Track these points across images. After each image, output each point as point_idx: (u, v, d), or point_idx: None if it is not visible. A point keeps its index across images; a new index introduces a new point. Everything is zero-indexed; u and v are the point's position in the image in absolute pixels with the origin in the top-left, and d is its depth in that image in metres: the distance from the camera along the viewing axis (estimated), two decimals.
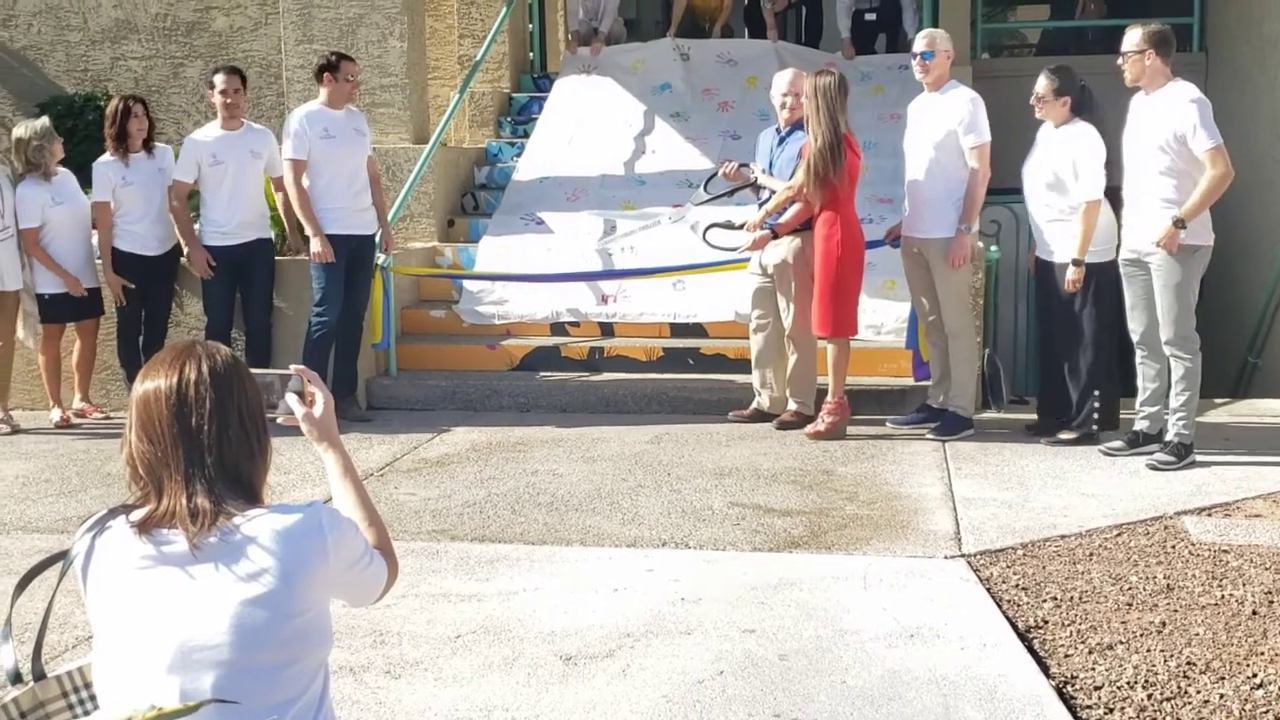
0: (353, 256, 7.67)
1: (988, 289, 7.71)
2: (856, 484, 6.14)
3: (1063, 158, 6.56)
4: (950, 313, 6.97)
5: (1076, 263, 6.49)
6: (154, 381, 2.05)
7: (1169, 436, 6.33)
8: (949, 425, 6.97)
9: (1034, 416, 7.15)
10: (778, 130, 7.28)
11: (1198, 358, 6.24)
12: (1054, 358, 6.88)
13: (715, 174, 7.69)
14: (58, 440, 7.52)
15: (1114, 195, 6.53)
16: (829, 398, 7.03)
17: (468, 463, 6.71)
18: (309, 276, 7.65)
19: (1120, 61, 6.29)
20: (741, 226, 7.39)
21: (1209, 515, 5.59)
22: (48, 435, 7.66)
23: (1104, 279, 6.56)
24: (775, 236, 7.14)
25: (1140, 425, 6.52)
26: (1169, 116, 6.12)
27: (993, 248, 7.79)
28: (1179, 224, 6.07)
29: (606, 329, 8.52)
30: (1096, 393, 6.66)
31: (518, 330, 8.60)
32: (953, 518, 5.58)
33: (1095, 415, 6.69)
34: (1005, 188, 7.30)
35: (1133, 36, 6.24)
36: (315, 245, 7.49)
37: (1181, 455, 6.28)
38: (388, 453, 6.92)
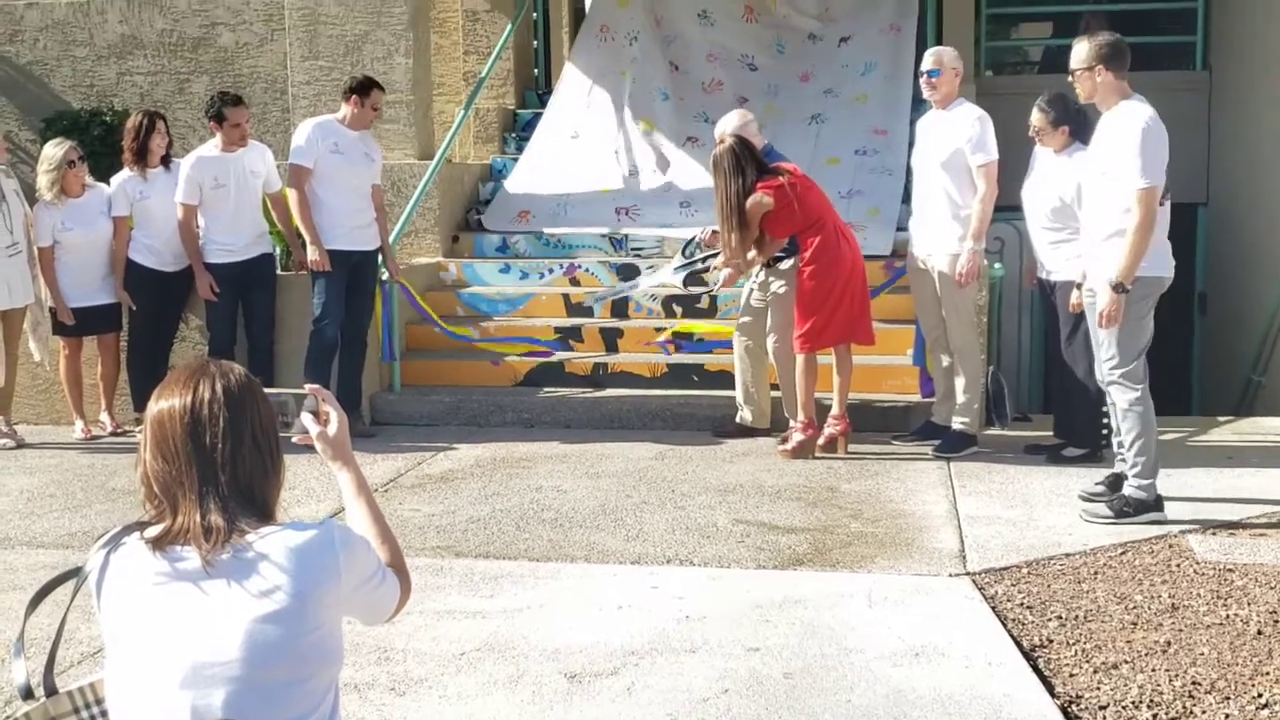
0: (354, 272, 7.69)
1: (992, 306, 7.72)
2: (861, 501, 6.14)
3: (1068, 183, 6.55)
4: (955, 330, 6.98)
5: (1079, 285, 6.46)
6: (168, 401, 2.07)
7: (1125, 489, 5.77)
8: (953, 443, 6.97)
9: (1036, 434, 7.15)
10: None
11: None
12: (1061, 376, 6.88)
13: (693, 239, 7.78)
14: (62, 455, 7.53)
15: None
16: (799, 415, 7.02)
17: (472, 478, 6.71)
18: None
19: (1070, 79, 5.75)
20: (709, 270, 7.62)
21: (1213, 534, 5.59)
22: (52, 450, 7.66)
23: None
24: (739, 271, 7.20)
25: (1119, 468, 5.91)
26: (1116, 142, 5.53)
27: (996, 265, 7.80)
28: (1119, 289, 5.48)
29: (610, 344, 8.54)
30: (1105, 409, 6.63)
31: (521, 334, 8.62)
32: (957, 535, 5.58)
33: (1105, 432, 6.67)
34: (1009, 205, 7.32)
35: (1079, 51, 5.61)
36: (312, 253, 7.51)
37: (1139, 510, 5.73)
38: (391, 468, 6.92)
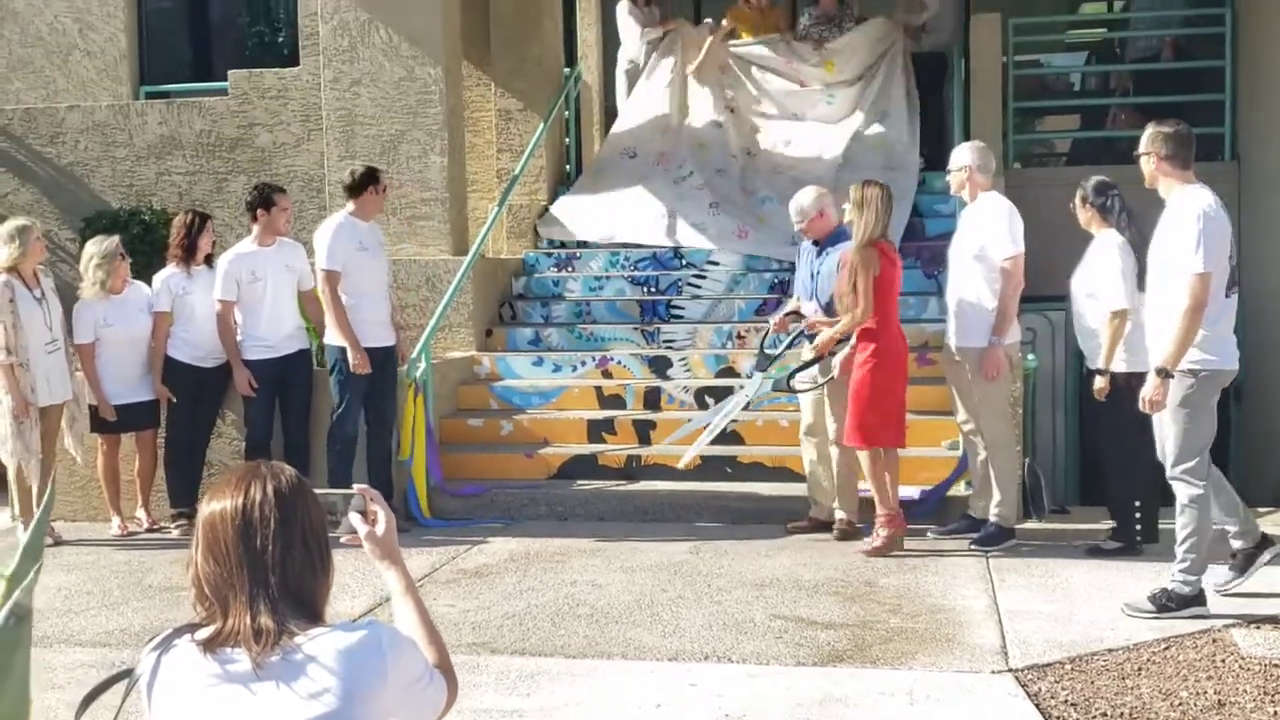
0: (378, 367, 7.77)
1: (1026, 398, 7.70)
2: (900, 596, 6.09)
3: (1093, 267, 6.62)
4: (988, 423, 6.94)
5: (1100, 372, 6.45)
6: (220, 503, 2.09)
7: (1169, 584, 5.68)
8: (991, 536, 6.91)
9: (1076, 526, 7.09)
10: (815, 242, 7.31)
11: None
12: (1097, 466, 6.85)
13: (766, 333, 7.67)
14: (99, 552, 7.55)
15: None
16: (878, 510, 6.89)
17: (506, 573, 6.69)
18: None
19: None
20: (817, 361, 7.19)
21: (1258, 628, 5.51)
22: (89, 547, 7.69)
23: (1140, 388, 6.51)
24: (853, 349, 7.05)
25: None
26: (1174, 228, 5.54)
27: (1030, 356, 7.79)
28: (1163, 374, 5.48)
29: (644, 436, 8.54)
30: (1137, 504, 6.59)
31: (554, 437, 8.64)
32: (998, 631, 5.52)
33: (1138, 526, 6.61)
34: (1041, 295, 7.32)
35: (1144, 136, 5.74)
36: (353, 357, 7.57)
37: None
38: (426, 563, 6.91)
